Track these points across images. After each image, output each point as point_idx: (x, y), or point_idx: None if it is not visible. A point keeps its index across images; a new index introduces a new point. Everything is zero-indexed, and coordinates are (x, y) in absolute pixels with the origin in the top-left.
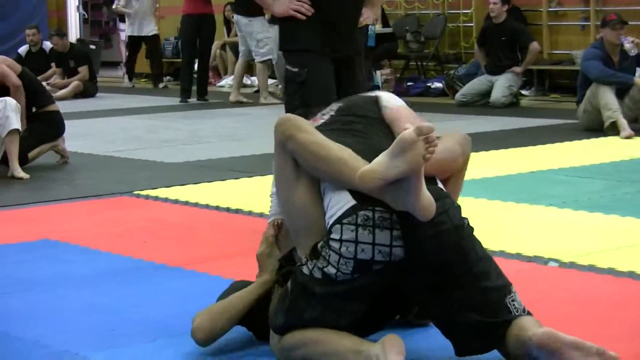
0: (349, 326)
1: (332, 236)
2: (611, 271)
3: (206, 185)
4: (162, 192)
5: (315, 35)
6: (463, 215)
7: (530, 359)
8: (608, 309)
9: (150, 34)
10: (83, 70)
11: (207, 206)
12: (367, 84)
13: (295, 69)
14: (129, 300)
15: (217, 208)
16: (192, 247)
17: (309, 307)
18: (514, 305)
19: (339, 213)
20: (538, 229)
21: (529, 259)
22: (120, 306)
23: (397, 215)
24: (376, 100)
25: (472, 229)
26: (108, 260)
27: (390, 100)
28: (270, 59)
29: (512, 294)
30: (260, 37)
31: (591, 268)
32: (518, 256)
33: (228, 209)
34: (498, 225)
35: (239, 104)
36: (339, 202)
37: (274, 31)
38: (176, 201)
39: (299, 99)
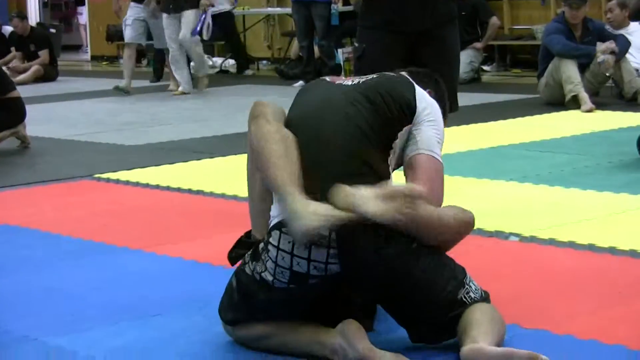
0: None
1: (270, 240)
2: (572, 244)
3: (167, 167)
4: (123, 175)
5: (380, 12)
6: None
7: None
8: (569, 283)
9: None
10: (44, 54)
11: (168, 188)
12: (329, 62)
13: (356, 45)
14: (90, 284)
15: (179, 190)
16: (154, 230)
17: (256, 308)
18: (469, 296)
19: (278, 218)
20: (499, 203)
21: (490, 234)
22: (81, 290)
23: (336, 234)
24: (412, 104)
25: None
26: (69, 244)
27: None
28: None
29: (467, 287)
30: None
31: (552, 242)
32: (479, 231)
33: (190, 191)
34: (459, 201)
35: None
36: (280, 204)
37: (144, 14)
38: (137, 184)
39: (357, 73)
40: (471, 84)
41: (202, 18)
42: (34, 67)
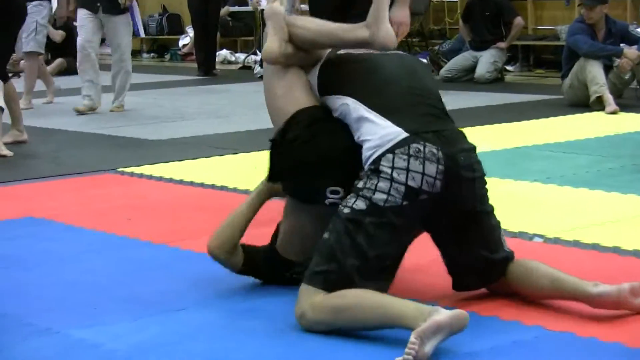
0: (389, 276)
1: (382, 163)
2: (596, 246)
3: (190, 162)
4: (146, 169)
5: None
6: None
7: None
8: None
9: None
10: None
11: (191, 183)
12: None
13: None
14: (114, 278)
15: (202, 185)
16: (177, 224)
17: (353, 248)
18: (504, 241)
19: (390, 144)
20: (523, 204)
21: (514, 235)
22: (104, 283)
23: (442, 154)
24: None
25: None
26: (92, 237)
27: None
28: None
29: (502, 231)
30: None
31: (576, 244)
32: (503, 232)
33: (213, 186)
34: None
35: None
36: (384, 134)
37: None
38: (160, 178)
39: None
40: (494, 84)
41: (133, 14)
42: (58, 60)
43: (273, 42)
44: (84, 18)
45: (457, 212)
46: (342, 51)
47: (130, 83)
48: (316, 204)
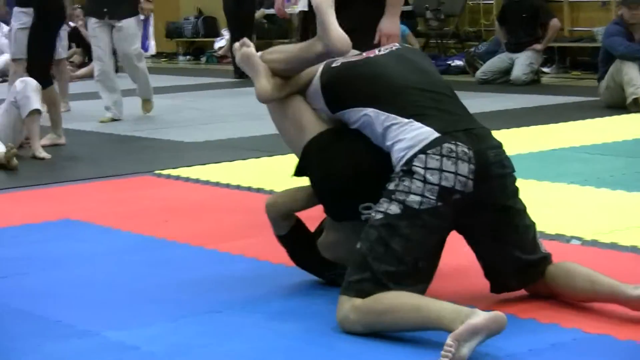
0: (425, 278)
1: (414, 164)
2: (634, 249)
3: (227, 165)
4: (183, 172)
5: None
6: None
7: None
8: None
9: None
10: None
11: (227, 185)
12: None
13: None
14: (151, 280)
15: (238, 187)
16: (213, 227)
17: (387, 254)
18: (541, 243)
19: (422, 144)
20: (560, 206)
21: (551, 237)
22: (141, 286)
23: (473, 152)
24: None
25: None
26: (129, 239)
27: None
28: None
29: (538, 233)
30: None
31: (613, 246)
32: (540, 234)
33: (249, 188)
34: None
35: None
36: (415, 135)
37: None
38: (197, 180)
39: None
40: (531, 86)
41: (147, 27)
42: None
43: (260, 82)
44: (94, 28)
45: (490, 209)
46: (336, 62)
47: (166, 85)
48: (354, 221)
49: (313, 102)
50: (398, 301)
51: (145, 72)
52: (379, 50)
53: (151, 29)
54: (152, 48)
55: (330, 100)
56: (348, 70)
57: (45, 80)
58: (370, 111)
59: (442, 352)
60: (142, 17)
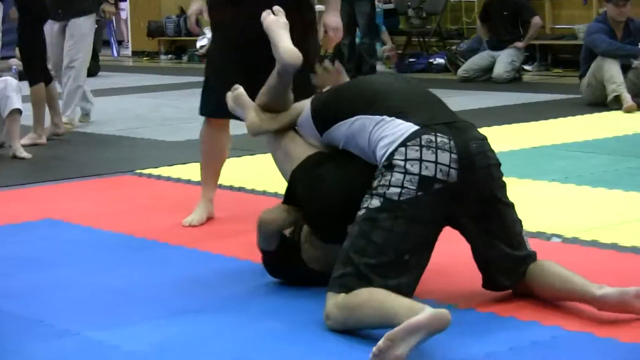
0: (412, 272)
1: (395, 157)
2: (614, 246)
3: None
4: (164, 171)
5: None
6: None
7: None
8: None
9: None
10: None
11: None
12: (371, 60)
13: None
14: (132, 279)
15: (220, 186)
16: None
17: (368, 247)
18: (527, 241)
19: (402, 138)
20: (541, 204)
21: (532, 235)
22: (122, 285)
23: (454, 142)
24: None
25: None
26: (110, 239)
27: None
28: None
29: (524, 230)
30: None
31: (594, 243)
32: None
33: (231, 187)
34: None
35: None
36: (396, 130)
37: None
38: (178, 180)
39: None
40: (512, 84)
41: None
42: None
43: (250, 117)
44: (48, 29)
45: (477, 200)
46: (326, 89)
47: (147, 84)
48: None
49: (304, 131)
50: (368, 297)
51: (80, 83)
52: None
53: (116, 32)
54: (116, 53)
55: (319, 122)
56: (335, 91)
57: (32, 78)
58: (356, 119)
59: (372, 351)
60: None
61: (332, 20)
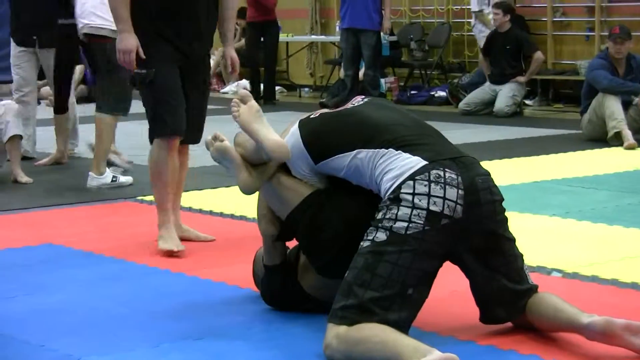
0: (412, 305)
1: (402, 190)
2: (614, 282)
3: (210, 192)
4: None
5: None
6: None
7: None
8: None
9: None
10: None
11: (210, 212)
12: (374, 91)
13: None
14: (133, 305)
15: (221, 214)
16: (195, 253)
17: (373, 280)
18: (528, 274)
19: (410, 172)
20: (541, 239)
21: (532, 269)
22: (123, 311)
23: (461, 178)
24: None
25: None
26: (111, 265)
27: None
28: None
29: (525, 264)
30: None
31: (594, 279)
32: None
33: (232, 216)
34: None
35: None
36: (403, 164)
37: None
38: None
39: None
40: (513, 118)
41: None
42: (78, 88)
43: (242, 176)
44: (18, 55)
45: (480, 236)
46: (314, 115)
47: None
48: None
49: (296, 164)
50: (371, 333)
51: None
52: (353, 103)
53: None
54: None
55: (315, 152)
56: (331, 119)
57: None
58: (359, 152)
59: None
60: None
61: (233, 54)
